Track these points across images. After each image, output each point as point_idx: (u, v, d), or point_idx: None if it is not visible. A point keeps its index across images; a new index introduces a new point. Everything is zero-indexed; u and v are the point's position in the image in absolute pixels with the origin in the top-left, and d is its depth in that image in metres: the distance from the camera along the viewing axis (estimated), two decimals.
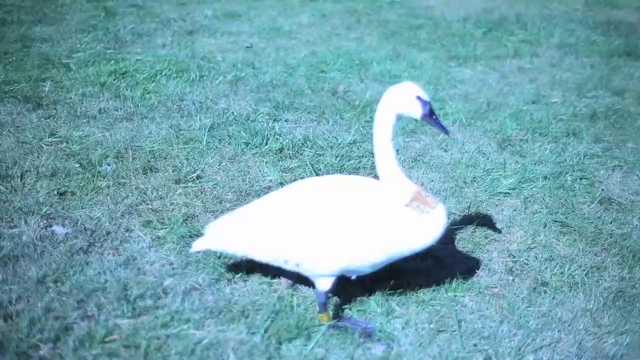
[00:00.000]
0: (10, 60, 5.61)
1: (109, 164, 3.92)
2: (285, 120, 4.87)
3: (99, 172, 3.85)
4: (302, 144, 4.49)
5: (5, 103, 4.75)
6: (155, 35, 6.76)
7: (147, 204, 3.61)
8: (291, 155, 4.34)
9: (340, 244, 2.69)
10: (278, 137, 4.54)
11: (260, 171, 4.07)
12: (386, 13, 8.48)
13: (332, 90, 5.59)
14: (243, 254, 2.89)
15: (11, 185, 3.64)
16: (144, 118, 4.69)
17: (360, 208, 2.73)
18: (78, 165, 3.92)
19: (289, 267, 2.78)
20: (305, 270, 2.77)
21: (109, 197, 3.62)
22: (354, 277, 2.92)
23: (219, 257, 3.18)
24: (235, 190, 3.84)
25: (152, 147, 4.23)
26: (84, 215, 3.44)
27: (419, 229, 2.75)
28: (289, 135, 4.58)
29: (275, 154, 4.34)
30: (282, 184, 3.86)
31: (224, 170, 4.04)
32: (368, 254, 2.72)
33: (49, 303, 2.78)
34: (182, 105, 5.00)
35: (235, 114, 4.89)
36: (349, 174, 4.06)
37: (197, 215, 3.56)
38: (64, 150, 4.09)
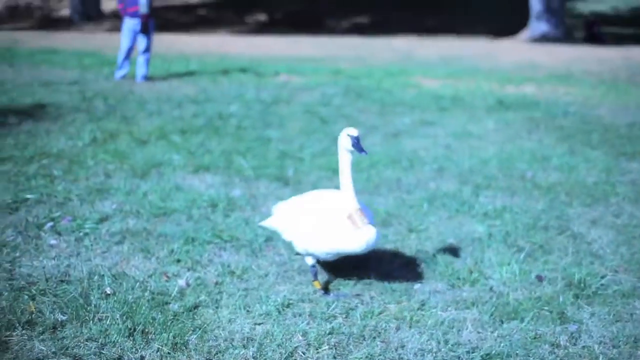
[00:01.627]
0: (254, 153, 7.77)
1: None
2: (485, 196, 6.66)
3: None
4: (502, 210, 6.25)
5: (261, 180, 6.85)
6: (365, 137, 8.82)
7: None
8: (494, 217, 6.09)
9: (301, 235, 4.60)
10: (482, 206, 6.33)
11: (471, 227, 5.85)
12: (561, 120, 10.81)
13: (520, 176, 7.43)
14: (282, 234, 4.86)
15: None
16: (372, 193, 6.64)
17: (320, 213, 4.59)
18: None
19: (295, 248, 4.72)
20: (297, 250, 4.73)
21: None
22: (320, 259, 4.73)
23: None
24: (443, 236, 5.65)
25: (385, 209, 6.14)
26: None
27: (352, 239, 4.44)
28: (490, 205, 6.36)
29: (482, 216, 6.11)
30: (490, 235, 5.68)
31: (443, 226, 5.86)
32: (315, 246, 4.52)
33: None
34: (401, 185, 6.90)
35: (444, 190, 6.74)
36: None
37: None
38: None
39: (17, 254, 4.89)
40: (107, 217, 5.67)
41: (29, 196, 6.10)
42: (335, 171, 7.28)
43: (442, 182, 7.23)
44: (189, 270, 4.76)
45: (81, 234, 5.30)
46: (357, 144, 4.47)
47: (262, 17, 37.29)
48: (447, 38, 27.96)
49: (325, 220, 4.56)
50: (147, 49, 12.99)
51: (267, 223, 4.98)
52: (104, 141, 8.27)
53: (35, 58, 15.79)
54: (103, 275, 4.55)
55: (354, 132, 4.51)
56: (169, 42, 22.32)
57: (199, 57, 18.50)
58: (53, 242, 5.14)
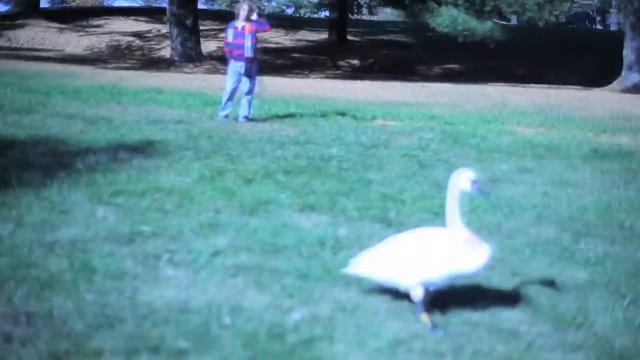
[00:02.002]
0: (357, 194, 7.95)
1: None
2: (585, 243, 6.79)
3: None
4: (603, 257, 6.34)
5: (365, 221, 7.00)
6: None
7: None
8: (595, 263, 6.17)
9: (418, 266, 4.70)
10: (582, 252, 6.46)
11: (572, 273, 5.98)
12: None
13: (619, 224, 7.55)
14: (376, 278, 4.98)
15: None
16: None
17: (432, 244, 4.81)
18: None
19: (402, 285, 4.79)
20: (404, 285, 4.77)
21: None
22: (431, 289, 4.80)
23: None
24: (546, 281, 5.72)
25: None
26: None
27: (470, 259, 4.68)
28: (591, 252, 6.48)
29: (583, 263, 6.20)
30: (592, 281, 5.76)
31: (546, 271, 6.00)
32: (432, 271, 4.68)
33: None
34: (501, 230, 7.06)
35: (544, 236, 6.87)
36: None
37: None
38: None
39: (138, 283, 5.12)
40: (220, 251, 5.87)
41: (144, 228, 6.36)
42: (436, 214, 7.41)
43: (541, 228, 7.26)
44: (301, 304, 4.91)
45: (197, 266, 5.51)
46: (478, 185, 4.77)
47: (355, 61, 37.68)
48: (539, 86, 27.83)
49: (443, 245, 4.74)
50: (250, 91, 13.32)
51: (356, 270, 4.98)
52: (211, 178, 8.53)
53: (141, 97, 16.27)
54: (221, 306, 4.73)
55: (473, 175, 4.76)
56: (267, 85, 22.76)
57: (297, 100, 18.82)
58: (170, 273, 5.36)
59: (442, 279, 4.70)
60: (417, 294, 4.71)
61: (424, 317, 4.71)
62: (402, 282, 4.74)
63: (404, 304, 5.07)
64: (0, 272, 5.20)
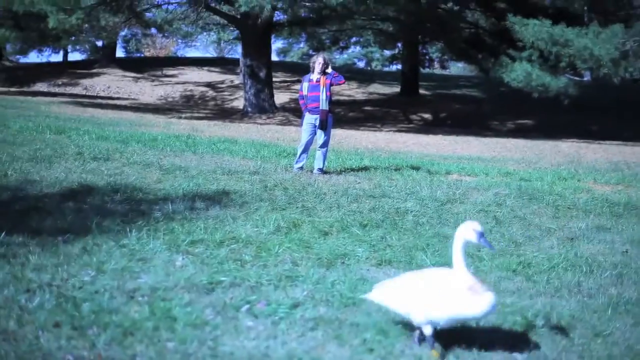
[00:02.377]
0: (434, 249, 8.05)
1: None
2: None
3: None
4: None
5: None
6: (541, 240, 8.89)
7: None
8: None
9: (425, 306, 4.99)
10: None
11: None
12: None
13: None
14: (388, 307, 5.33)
15: None
16: (552, 296, 6.66)
17: (441, 283, 5.10)
18: None
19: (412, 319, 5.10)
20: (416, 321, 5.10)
21: None
22: (438, 327, 5.08)
23: None
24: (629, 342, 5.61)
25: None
26: None
27: (473, 305, 4.94)
28: None
29: None
30: None
31: (629, 332, 5.89)
32: (438, 313, 4.96)
33: None
34: (581, 289, 6.99)
35: (625, 296, 6.75)
36: None
37: None
38: None
39: (218, 333, 5.16)
40: (299, 304, 5.89)
41: (223, 278, 6.42)
42: (514, 272, 7.37)
43: (622, 288, 7.15)
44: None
45: (276, 318, 5.53)
46: (484, 238, 5.06)
47: (427, 115, 37.73)
48: (614, 143, 27.50)
49: (447, 288, 5.02)
50: (325, 144, 13.41)
51: (375, 297, 5.38)
52: (287, 230, 8.59)
53: (216, 147, 16.47)
54: (302, 359, 4.75)
55: (479, 227, 5.07)
56: (340, 137, 22.92)
57: (370, 153, 18.93)
58: (250, 324, 5.39)
59: (446, 320, 5.00)
60: (427, 331, 5.06)
61: (434, 353, 5.04)
62: (413, 318, 5.09)
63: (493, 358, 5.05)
64: (84, 317, 5.29)
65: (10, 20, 32.14)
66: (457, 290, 4.97)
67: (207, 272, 6.58)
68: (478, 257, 7.93)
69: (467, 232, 5.03)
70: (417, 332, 5.18)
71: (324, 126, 13.28)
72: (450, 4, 37.45)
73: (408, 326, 5.47)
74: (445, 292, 4.98)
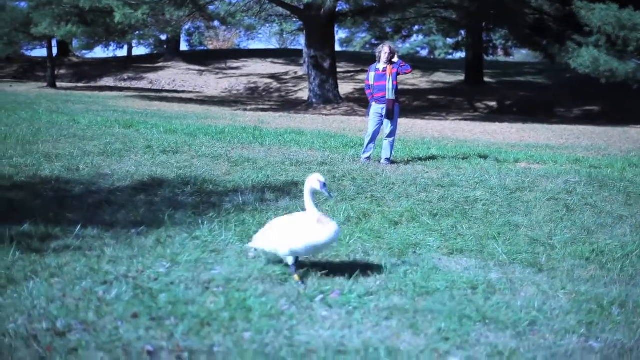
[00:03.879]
0: (505, 238, 7.99)
1: None
2: None
3: None
4: None
5: (513, 265, 6.98)
6: (614, 227, 8.89)
7: None
8: None
9: (285, 238, 6.18)
10: None
11: None
12: None
13: None
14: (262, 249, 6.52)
15: None
16: (627, 284, 6.68)
17: (297, 222, 6.29)
18: None
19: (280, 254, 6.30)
20: (280, 254, 6.29)
21: None
22: (299, 257, 6.34)
23: None
24: None
25: None
26: None
27: (320, 233, 6.09)
28: None
29: None
30: None
31: None
32: (296, 243, 6.12)
33: None
34: None
35: None
36: None
37: None
38: None
39: (294, 323, 5.21)
40: (372, 293, 5.92)
41: None
42: (588, 259, 7.30)
43: None
44: (458, 348, 4.89)
45: (350, 307, 5.56)
46: (325, 188, 6.28)
47: (492, 103, 37.42)
48: None
49: (302, 224, 6.20)
50: (392, 133, 13.39)
51: (253, 244, 6.57)
52: (358, 220, 8.62)
53: (282, 138, 16.53)
54: (378, 348, 4.77)
55: (322, 178, 6.30)
56: (406, 127, 22.86)
57: (437, 142, 18.86)
58: (325, 313, 5.43)
59: (302, 248, 6.14)
60: (289, 261, 6.25)
61: (296, 277, 6.21)
62: (279, 252, 6.26)
63: (561, 350, 5.00)
64: (161, 308, 5.38)
65: (77, 17, 32.60)
66: (308, 223, 6.18)
67: (280, 262, 6.64)
68: (550, 245, 7.88)
69: (314, 182, 6.25)
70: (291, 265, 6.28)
71: (390, 115, 13.26)
72: None
73: (481, 315, 5.48)
74: (299, 226, 6.19)
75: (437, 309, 5.58)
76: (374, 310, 5.53)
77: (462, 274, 6.59)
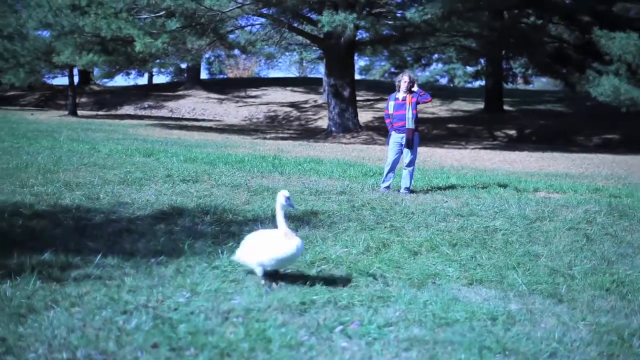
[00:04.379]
0: (524, 269, 7.97)
1: None
2: None
3: None
4: None
5: (533, 296, 6.96)
6: (635, 257, 8.75)
7: None
8: None
9: (255, 252, 6.88)
10: None
11: None
12: None
13: None
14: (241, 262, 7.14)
15: None
16: None
17: (266, 238, 6.97)
18: None
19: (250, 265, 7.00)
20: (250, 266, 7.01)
21: None
22: (267, 268, 6.93)
23: None
24: None
25: None
26: None
27: (285, 247, 6.74)
28: None
29: None
30: None
31: None
32: (264, 257, 6.79)
33: None
34: None
35: None
36: None
37: None
38: None
39: (314, 354, 5.21)
40: (391, 324, 5.90)
41: (315, 298, 6.47)
42: (609, 291, 7.30)
43: None
44: None
45: (370, 338, 5.56)
46: (289, 202, 6.98)
47: (511, 131, 37.39)
48: None
49: (270, 239, 6.85)
50: (412, 163, 13.40)
51: (235, 258, 7.20)
52: (377, 250, 8.62)
53: (302, 167, 16.56)
54: None
55: (287, 194, 7.00)
56: (425, 155, 22.87)
57: (456, 171, 18.85)
58: (344, 344, 5.43)
59: (270, 261, 6.77)
60: (258, 272, 6.91)
61: (262, 282, 6.88)
62: (250, 264, 6.94)
63: None
64: (180, 338, 5.39)
65: (98, 46, 32.93)
66: (276, 237, 6.83)
67: (299, 292, 6.65)
68: (570, 275, 7.85)
69: (281, 198, 6.95)
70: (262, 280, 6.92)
71: (410, 145, 13.29)
72: (533, 18, 37.14)
73: (501, 345, 5.46)
74: (268, 240, 6.85)
75: (457, 340, 5.57)
76: (393, 341, 5.52)
77: (481, 305, 6.57)
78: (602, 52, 26.62)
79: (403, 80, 13.43)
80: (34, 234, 8.72)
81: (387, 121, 13.68)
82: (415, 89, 13.37)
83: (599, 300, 7.05)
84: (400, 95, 13.39)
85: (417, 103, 13.32)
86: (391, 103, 13.52)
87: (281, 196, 6.99)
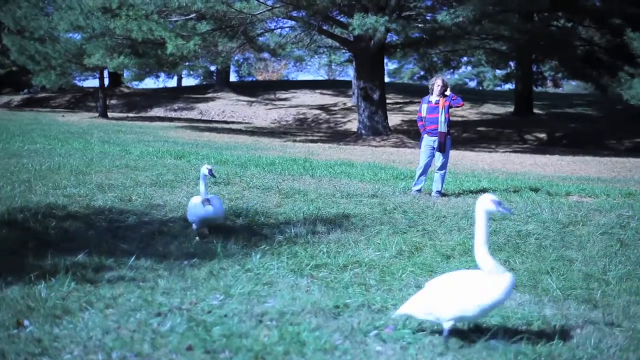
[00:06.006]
0: (559, 273, 7.87)
1: None
2: None
3: None
4: None
5: (570, 301, 6.97)
6: None
7: None
8: None
9: (454, 301, 5.46)
10: None
11: None
12: None
13: None
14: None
15: None
16: None
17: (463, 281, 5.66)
18: None
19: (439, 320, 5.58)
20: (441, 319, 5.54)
21: None
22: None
23: None
24: None
25: None
26: None
27: (494, 291, 5.44)
28: None
29: None
30: None
31: None
32: (467, 306, 5.42)
33: None
34: None
35: None
36: None
37: None
38: None
39: (348, 358, 5.20)
40: (426, 328, 5.88)
41: (349, 302, 6.46)
42: None
43: None
44: None
45: (404, 342, 5.55)
46: (502, 206, 5.64)
47: (542, 135, 37.17)
48: None
49: (470, 282, 5.59)
50: (443, 166, 13.36)
51: (404, 311, 5.74)
52: (410, 254, 8.60)
53: (333, 170, 16.53)
54: None
55: (495, 197, 5.68)
56: (456, 159, 22.79)
57: (487, 174, 18.76)
58: (379, 348, 5.42)
59: (477, 311, 5.45)
60: (447, 326, 5.51)
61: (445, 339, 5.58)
62: (444, 318, 5.50)
63: None
64: (215, 341, 5.41)
65: (129, 48, 33.12)
66: (479, 278, 5.63)
67: (333, 296, 6.64)
68: (605, 281, 7.78)
69: (486, 204, 5.66)
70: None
71: (442, 148, 13.24)
72: (563, 21, 36.91)
73: (535, 351, 5.42)
74: (468, 284, 5.60)
75: (493, 346, 5.54)
76: (428, 345, 5.51)
77: (516, 310, 6.53)
78: (634, 55, 26.40)
79: (436, 83, 13.39)
80: (68, 236, 8.79)
81: (419, 124, 13.63)
82: (448, 92, 13.33)
83: (634, 305, 6.97)
84: (434, 98, 13.34)
85: (450, 107, 13.28)
86: (424, 106, 13.48)
87: (486, 200, 5.86)
